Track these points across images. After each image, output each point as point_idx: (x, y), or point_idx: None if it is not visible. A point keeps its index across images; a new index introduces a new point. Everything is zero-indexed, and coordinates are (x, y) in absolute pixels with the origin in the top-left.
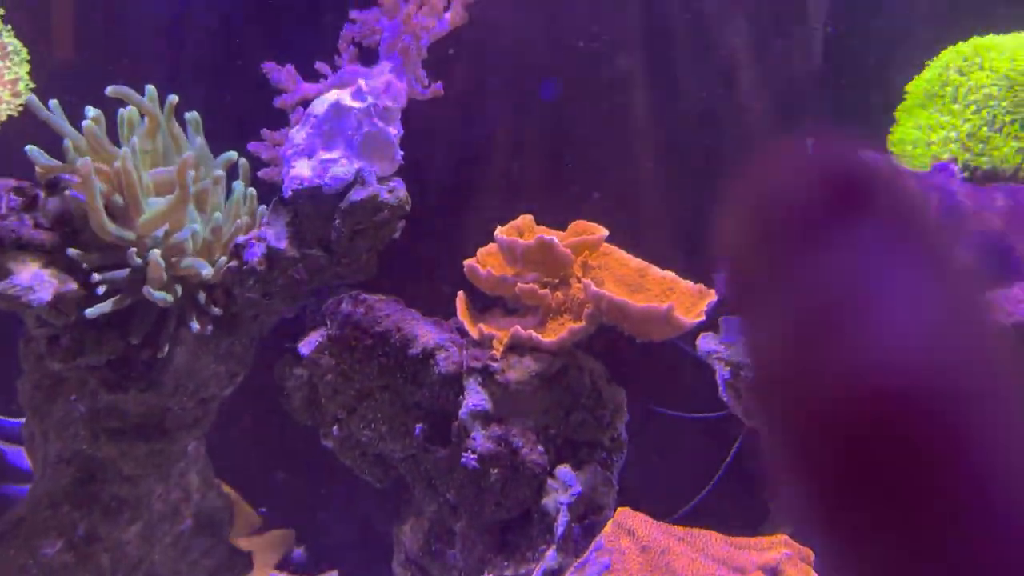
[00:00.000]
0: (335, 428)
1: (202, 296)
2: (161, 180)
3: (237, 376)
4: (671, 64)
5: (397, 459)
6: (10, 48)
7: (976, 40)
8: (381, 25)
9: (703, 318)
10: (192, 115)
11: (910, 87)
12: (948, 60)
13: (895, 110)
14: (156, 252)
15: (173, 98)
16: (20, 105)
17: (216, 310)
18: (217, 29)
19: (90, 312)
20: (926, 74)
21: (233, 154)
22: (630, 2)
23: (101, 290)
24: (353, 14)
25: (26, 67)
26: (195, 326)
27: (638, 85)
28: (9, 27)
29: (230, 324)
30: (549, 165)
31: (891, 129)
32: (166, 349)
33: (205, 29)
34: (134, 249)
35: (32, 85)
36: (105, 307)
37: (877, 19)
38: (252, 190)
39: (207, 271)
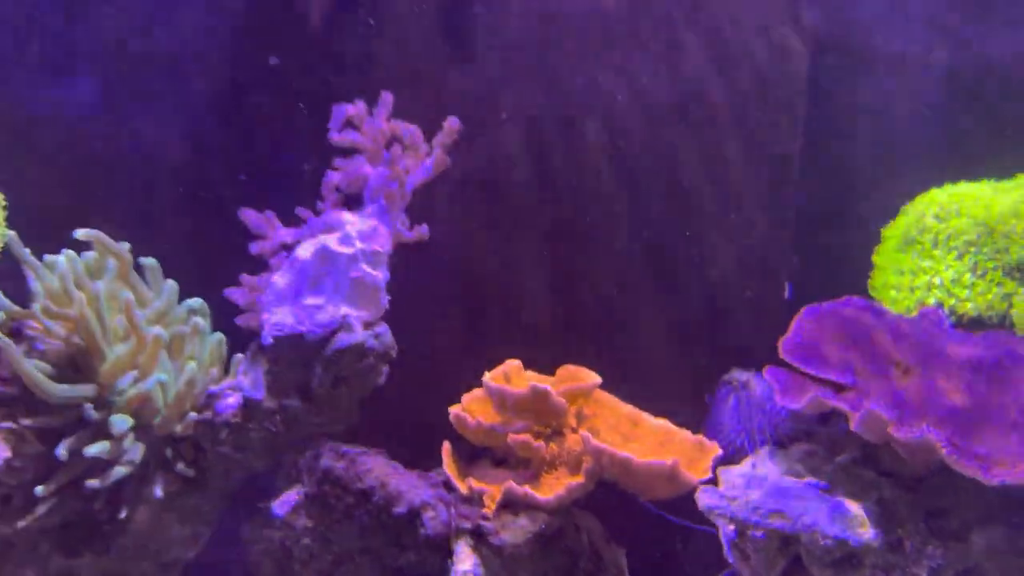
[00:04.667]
0: None
1: (169, 452)
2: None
3: (202, 536)
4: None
5: None
6: None
7: (949, 188)
8: (365, 172)
9: (710, 475)
10: (151, 261)
11: (887, 232)
12: (923, 207)
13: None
14: (98, 447)
15: (125, 244)
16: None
17: (186, 469)
18: (192, 178)
19: (39, 491)
20: (902, 219)
21: (199, 300)
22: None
23: (63, 451)
24: (337, 162)
25: (2, 213)
26: (158, 492)
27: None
28: None
29: (198, 481)
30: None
31: (871, 274)
32: (124, 512)
33: (179, 178)
34: (90, 405)
35: (10, 232)
36: (52, 486)
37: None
38: (221, 335)
39: (134, 454)
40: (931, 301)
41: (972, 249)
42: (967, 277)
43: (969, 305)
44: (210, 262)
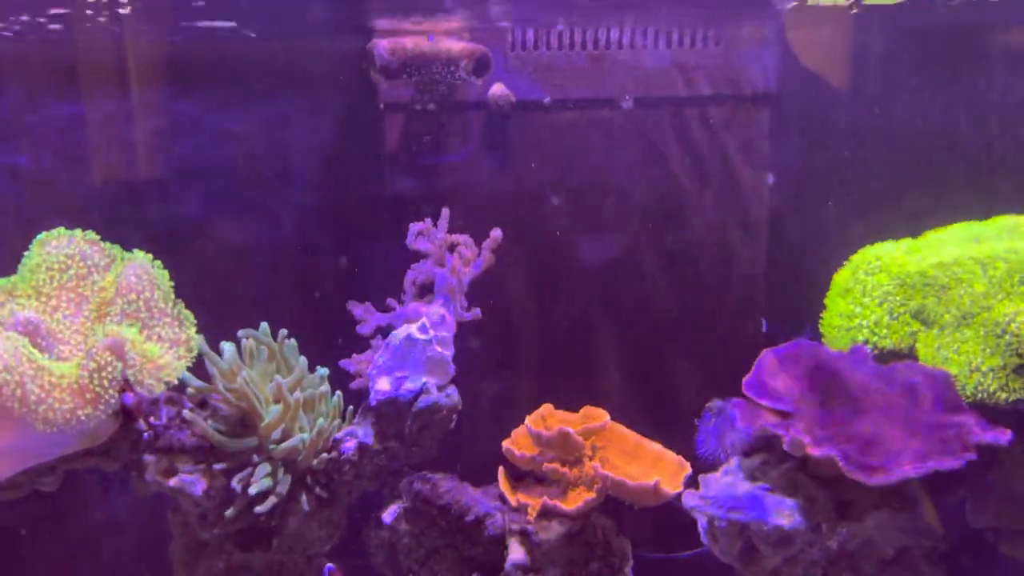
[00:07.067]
0: None
1: (309, 479)
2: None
3: (333, 537)
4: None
5: None
6: (183, 317)
7: (876, 248)
8: (434, 272)
9: (681, 489)
10: (291, 342)
11: (834, 279)
12: (857, 263)
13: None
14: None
15: (283, 332)
16: (193, 358)
17: (321, 491)
18: (310, 283)
19: (228, 514)
20: (843, 272)
21: (325, 370)
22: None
23: (237, 485)
24: (413, 266)
25: (194, 329)
26: (306, 506)
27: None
28: (181, 301)
29: (330, 500)
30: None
31: (822, 314)
32: (276, 521)
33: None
34: (255, 455)
35: (201, 340)
36: (231, 513)
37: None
38: (340, 394)
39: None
40: (860, 339)
41: (889, 298)
42: (885, 319)
43: (887, 341)
44: (317, 338)
